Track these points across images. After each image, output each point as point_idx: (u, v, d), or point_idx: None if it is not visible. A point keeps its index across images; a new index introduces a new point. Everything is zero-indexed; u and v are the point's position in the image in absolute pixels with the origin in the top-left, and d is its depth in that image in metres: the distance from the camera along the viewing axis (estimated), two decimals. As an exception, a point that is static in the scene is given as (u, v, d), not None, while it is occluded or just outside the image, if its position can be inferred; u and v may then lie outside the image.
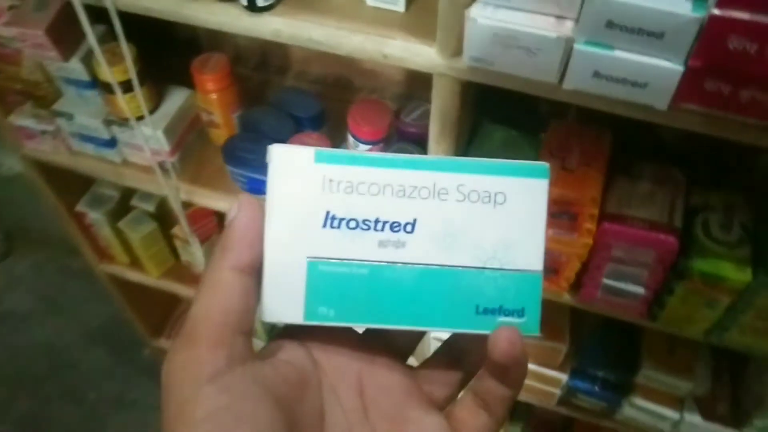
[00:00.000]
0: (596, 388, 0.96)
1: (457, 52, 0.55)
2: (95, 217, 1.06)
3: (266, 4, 0.59)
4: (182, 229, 1.02)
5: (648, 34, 0.48)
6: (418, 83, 0.93)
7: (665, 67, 0.49)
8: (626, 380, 0.94)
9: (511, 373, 0.27)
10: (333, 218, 0.27)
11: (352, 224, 0.27)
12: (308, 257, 0.27)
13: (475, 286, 0.28)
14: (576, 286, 0.76)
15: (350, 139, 0.77)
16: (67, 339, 1.82)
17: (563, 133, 0.70)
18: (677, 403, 0.94)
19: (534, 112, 0.79)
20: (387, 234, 0.28)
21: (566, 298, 0.78)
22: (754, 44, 0.45)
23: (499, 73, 0.55)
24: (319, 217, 0.27)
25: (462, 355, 0.31)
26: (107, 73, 0.75)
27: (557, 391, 1.01)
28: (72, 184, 1.05)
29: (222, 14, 0.61)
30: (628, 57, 0.49)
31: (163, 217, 1.09)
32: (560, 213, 0.67)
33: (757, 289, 0.66)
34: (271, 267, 0.27)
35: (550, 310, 0.28)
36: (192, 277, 1.14)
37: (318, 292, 0.27)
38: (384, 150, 0.78)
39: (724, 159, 0.78)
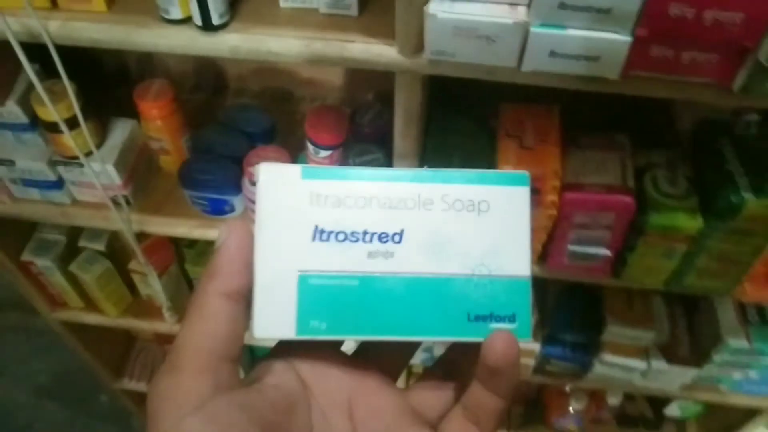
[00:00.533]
0: (568, 352, 1.01)
1: (418, 48, 0.57)
2: (44, 264, 1.01)
3: (221, 22, 0.60)
4: (139, 262, 1.00)
5: (597, 10, 0.51)
6: (358, 86, 0.95)
7: (615, 39, 0.53)
8: (594, 340, 1.00)
9: (503, 380, 0.27)
10: (322, 231, 0.28)
11: (341, 237, 0.28)
12: (299, 271, 0.28)
13: (465, 294, 0.28)
14: (543, 256, 0.80)
15: (309, 147, 0.78)
16: (16, 400, 1.72)
17: (514, 113, 0.74)
18: (642, 353, 1.00)
19: (477, 96, 0.82)
20: (375, 245, 0.28)
21: (535, 270, 0.82)
22: (691, 10, 0.50)
23: (461, 63, 0.57)
24: (308, 231, 0.28)
25: (454, 371, 0.31)
26: (51, 112, 0.73)
27: (531, 362, 1.05)
28: (12, 234, 1.01)
29: (176, 38, 0.61)
30: (581, 34, 0.53)
31: (116, 253, 1.06)
32: (525, 189, 0.71)
33: (708, 233, 0.71)
34: (261, 283, 0.27)
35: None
36: (154, 311, 1.11)
37: (309, 306, 0.28)
38: (344, 154, 0.79)
39: (654, 120, 0.84)
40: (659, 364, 0.99)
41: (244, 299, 0.27)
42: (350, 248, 0.28)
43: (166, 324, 1.11)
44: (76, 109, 0.74)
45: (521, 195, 0.29)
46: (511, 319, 0.28)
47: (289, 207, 0.28)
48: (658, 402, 1.31)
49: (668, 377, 1.01)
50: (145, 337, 1.41)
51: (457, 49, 0.56)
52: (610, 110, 0.85)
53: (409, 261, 0.28)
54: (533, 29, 0.53)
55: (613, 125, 0.80)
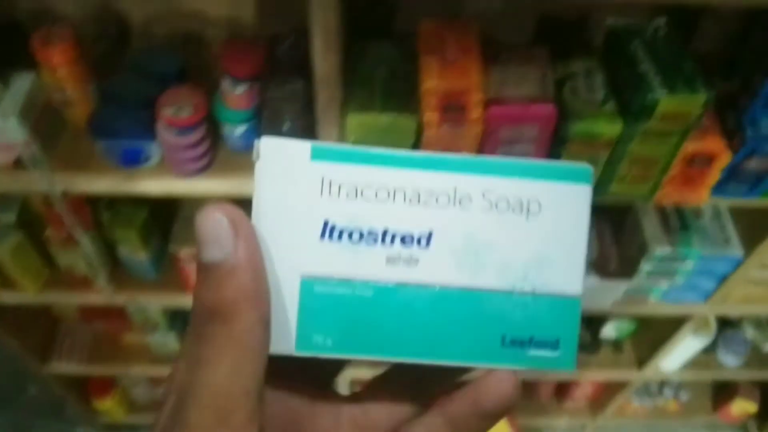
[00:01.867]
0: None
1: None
2: (-51, 242, 0.94)
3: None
4: (58, 230, 0.94)
5: None
6: (271, 23, 0.92)
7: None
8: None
9: (483, 426, 0.23)
10: (332, 228, 0.24)
11: (356, 236, 0.24)
12: (302, 275, 0.23)
13: (501, 313, 0.24)
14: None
15: (225, 81, 0.75)
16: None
17: (434, 30, 0.73)
18: (575, 271, 1.03)
19: (393, 17, 0.81)
20: (397, 249, 0.24)
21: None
22: None
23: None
24: (315, 228, 0.23)
25: (416, 384, 0.26)
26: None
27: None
28: None
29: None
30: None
31: (28, 224, 1.00)
32: (449, 106, 0.70)
33: (628, 136, 0.73)
34: None
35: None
36: (76, 282, 1.06)
37: (313, 318, 0.23)
38: (262, 88, 0.77)
39: (569, 35, 0.85)
40: (591, 280, 1.02)
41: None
42: (366, 251, 0.24)
43: (100, 295, 1.05)
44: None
45: (581, 195, 0.24)
46: (554, 345, 0.24)
47: (294, 195, 0.23)
48: (594, 325, 1.36)
49: (600, 293, 1.05)
50: (70, 316, 1.34)
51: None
52: (526, 29, 0.86)
53: (436, 270, 0.24)
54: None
55: (530, 42, 0.81)
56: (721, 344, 1.42)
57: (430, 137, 0.73)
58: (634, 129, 0.72)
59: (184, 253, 0.98)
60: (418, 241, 0.24)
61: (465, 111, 0.71)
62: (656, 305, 1.13)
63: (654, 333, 1.33)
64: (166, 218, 1.03)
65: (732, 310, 1.16)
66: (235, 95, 0.75)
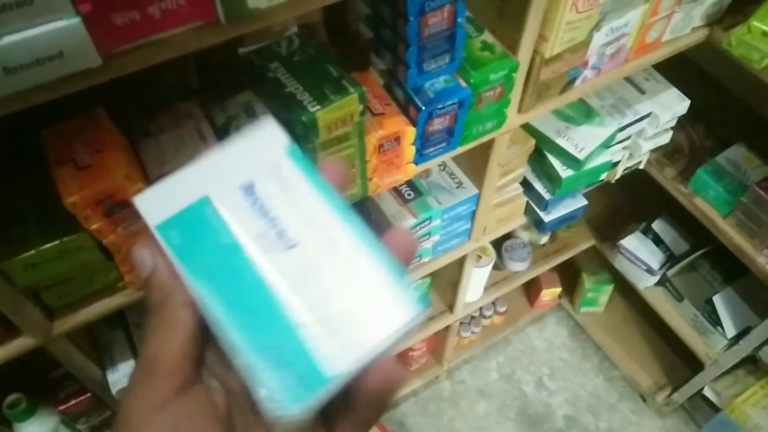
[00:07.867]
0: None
1: None
2: None
3: None
4: None
5: (17, 5, 0.43)
6: None
7: (63, 26, 0.45)
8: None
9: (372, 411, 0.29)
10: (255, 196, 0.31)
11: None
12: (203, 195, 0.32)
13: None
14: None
15: None
16: None
17: (59, 135, 0.63)
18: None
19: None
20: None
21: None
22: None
23: None
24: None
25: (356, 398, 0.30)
26: None
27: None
28: None
29: None
30: (22, 37, 0.44)
31: None
32: (112, 208, 0.62)
33: (310, 154, 0.71)
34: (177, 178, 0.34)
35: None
36: None
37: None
38: None
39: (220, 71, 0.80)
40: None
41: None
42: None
43: None
44: None
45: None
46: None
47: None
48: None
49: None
50: None
51: None
52: (174, 83, 0.80)
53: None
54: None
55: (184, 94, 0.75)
56: (506, 256, 1.52)
57: (114, 241, 0.66)
58: (310, 147, 0.70)
59: None
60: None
61: (132, 204, 0.63)
62: (433, 262, 1.16)
63: (445, 278, 1.38)
64: None
65: (494, 234, 1.23)
66: None
